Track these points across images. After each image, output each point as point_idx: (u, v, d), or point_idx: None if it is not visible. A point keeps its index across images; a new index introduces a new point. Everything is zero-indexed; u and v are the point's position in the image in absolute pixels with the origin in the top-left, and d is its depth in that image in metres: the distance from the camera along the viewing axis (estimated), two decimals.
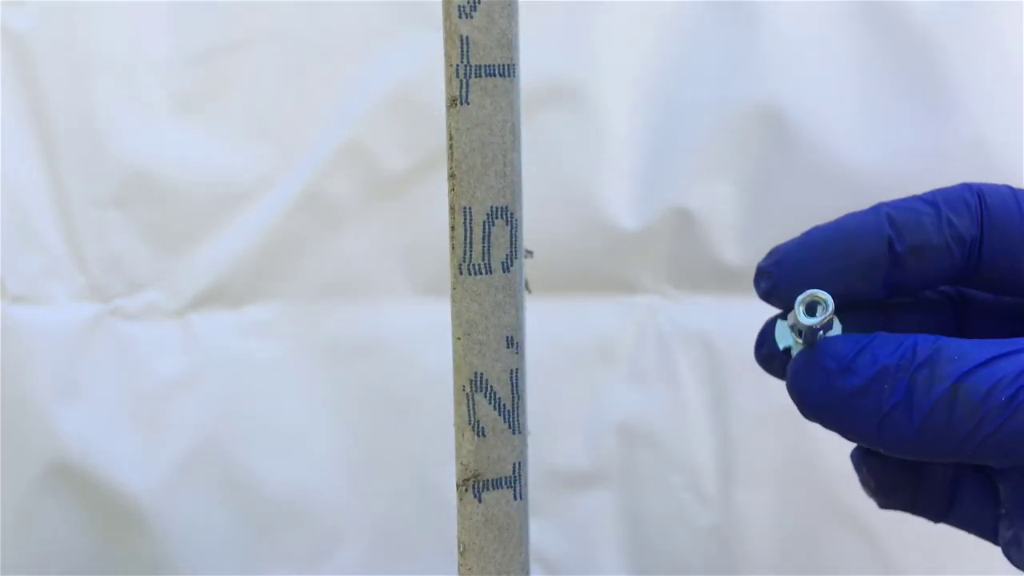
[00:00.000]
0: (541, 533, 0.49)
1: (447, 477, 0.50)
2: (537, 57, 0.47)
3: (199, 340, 0.50)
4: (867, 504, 0.48)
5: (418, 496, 0.50)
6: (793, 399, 0.24)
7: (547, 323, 0.48)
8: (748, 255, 0.47)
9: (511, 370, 0.22)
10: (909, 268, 0.24)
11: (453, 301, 0.22)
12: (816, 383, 0.23)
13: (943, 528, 0.29)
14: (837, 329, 0.25)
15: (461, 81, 0.21)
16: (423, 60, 0.47)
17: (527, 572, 0.23)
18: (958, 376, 0.21)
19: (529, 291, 0.25)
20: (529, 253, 0.25)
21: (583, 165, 0.48)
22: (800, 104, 0.46)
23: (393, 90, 0.48)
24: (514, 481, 0.23)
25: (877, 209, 0.25)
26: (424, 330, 0.49)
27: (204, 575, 0.50)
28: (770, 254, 0.26)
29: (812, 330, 0.23)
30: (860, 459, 0.29)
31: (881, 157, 0.46)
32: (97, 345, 0.50)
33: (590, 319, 0.49)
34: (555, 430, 0.49)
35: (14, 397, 0.49)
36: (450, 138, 0.22)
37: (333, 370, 0.50)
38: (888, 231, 0.24)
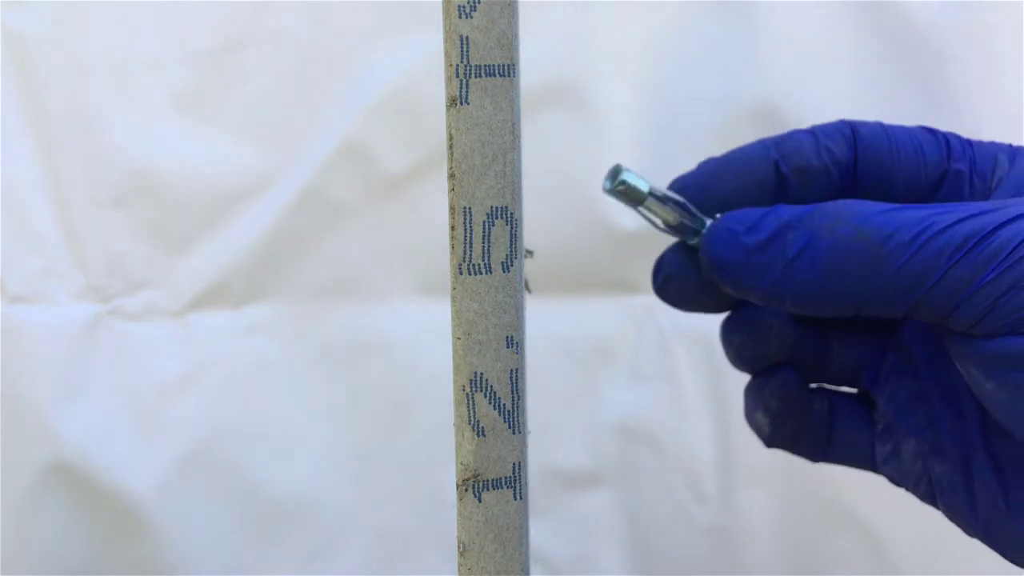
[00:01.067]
0: (542, 533, 0.49)
1: (447, 477, 0.50)
2: (537, 57, 0.47)
3: (199, 340, 0.50)
4: (867, 504, 0.48)
5: (418, 496, 0.50)
6: (705, 264, 0.26)
7: (547, 323, 0.48)
8: None
9: (511, 370, 0.22)
10: (795, 188, 0.27)
11: (453, 301, 0.22)
12: (726, 243, 0.25)
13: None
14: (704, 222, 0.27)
15: (461, 81, 0.21)
16: (423, 60, 0.47)
17: (527, 572, 0.23)
18: (861, 219, 0.23)
19: (529, 291, 0.25)
20: (529, 253, 0.25)
21: (583, 165, 0.48)
22: (800, 103, 0.47)
23: (393, 90, 0.48)
24: (514, 481, 0.23)
25: (763, 140, 0.27)
26: (424, 330, 0.49)
27: (204, 575, 0.50)
28: (674, 181, 0.28)
29: (664, 206, 0.26)
30: (761, 384, 0.30)
31: None
32: (97, 345, 0.49)
33: (590, 319, 0.49)
34: (555, 430, 0.49)
35: (14, 397, 0.49)
36: (450, 138, 0.22)
37: (333, 370, 0.50)
38: (774, 155, 0.27)
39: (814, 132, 0.27)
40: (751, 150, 0.27)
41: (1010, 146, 0.27)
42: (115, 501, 0.49)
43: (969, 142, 0.27)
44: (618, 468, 0.49)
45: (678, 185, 0.28)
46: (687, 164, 0.48)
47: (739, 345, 0.29)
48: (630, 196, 0.26)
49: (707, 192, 0.27)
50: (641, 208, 0.26)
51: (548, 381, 0.48)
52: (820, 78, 0.47)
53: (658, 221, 0.27)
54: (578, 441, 0.49)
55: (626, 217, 0.48)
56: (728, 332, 0.30)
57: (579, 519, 0.50)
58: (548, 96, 0.48)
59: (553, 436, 0.49)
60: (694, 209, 0.27)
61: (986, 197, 0.26)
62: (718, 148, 0.48)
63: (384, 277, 0.49)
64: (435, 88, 0.48)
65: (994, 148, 0.27)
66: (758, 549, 0.49)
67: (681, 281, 0.28)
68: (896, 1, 0.46)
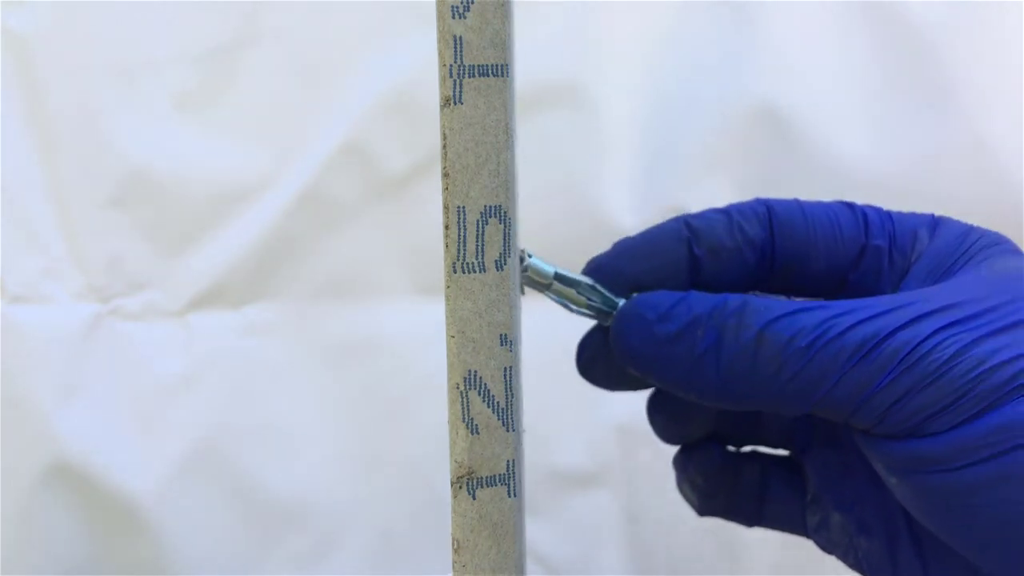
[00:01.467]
0: (541, 533, 0.49)
1: (447, 477, 0.50)
2: (537, 57, 0.47)
3: (199, 340, 0.50)
4: None
5: (417, 496, 0.50)
6: (615, 348, 0.26)
7: (547, 323, 0.48)
8: None
9: (505, 368, 0.22)
10: (709, 268, 0.26)
11: (447, 299, 0.22)
12: (636, 331, 0.25)
13: None
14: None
15: (455, 81, 0.22)
16: (423, 60, 0.48)
17: (522, 569, 0.23)
18: (763, 324, 0.23)
19: (523, 292, 0.25)
20: (528, 254, 0.25)
21: (583, 165, 0.48)
22: (800, 104, 0.47)
23: (393, 90, 0.48)
24: (508, 479, 0.23)
25: (677, 219, 0.27)
26: (423, 330, 0.49)
27: (204, 575, 0.50)
28: (589, 262, 0.28)
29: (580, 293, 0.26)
30: (686, 460, 0.30)
31: (881, 157, 0.46)
32: (97, 345, 0.50)
33: (590, 319, 0.49)
34: (555, 430, 0.49)
35: (14, 397, 0.49)
36: (444, 138, 0.22)
37: (333, 370, 0.50)
38: (686, 234, 0.26)
39: (728, 211, 0.27)
40: (665, 229, 0.27)
41: (932, 217, 0.27)
42: (115, 501, 0.49)
43: (889, 215, 0.27)
44: (618, 468, 0.49)
45: (592, 265, 0.27)
46: (687, 164, 0.48)
47: (662, 425, 0.30)
48: (535, 282, 0.26)
49: (621, 273, 0.27)
50: (549, 293, 0.26)
51: (548, 381, 0.48)
52: (820, 78, 0.47)
53: (571, 304, 0.27)
54: (578, 441, 0.49)
55: (626, 217, 0.48)
56: (651, 412, 0.30)
57: (579, 519, 0.50)
58: (548, 96, 0.48)
59: (553, 436, 0.49)
60: (605, 291, 0.26)
61: (906, 271, 0.26)
62: (718, 148, 0.48)
63: (384, 277, 0.49)
64: (435, 88, 0.48)
65: (915, 221, 0.26)
66: (758, 549, 0.49)
67: (605, 363, 0.28)
68: (896, 1, 0.46)
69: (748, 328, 0.23)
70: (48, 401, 0.49)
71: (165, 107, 0.49)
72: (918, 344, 0.22)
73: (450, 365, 0.22)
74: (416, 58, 0.48)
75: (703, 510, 0.30)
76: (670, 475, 0.49)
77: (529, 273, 0.26)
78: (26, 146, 0.49)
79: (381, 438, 0.50)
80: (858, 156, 0.46)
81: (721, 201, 0.48)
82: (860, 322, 0.22)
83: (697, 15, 0.47)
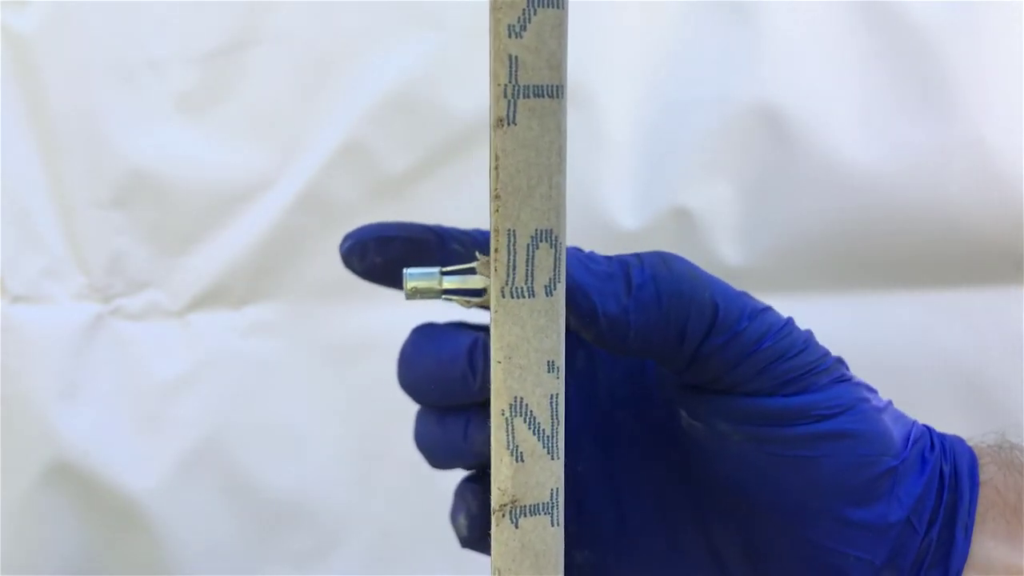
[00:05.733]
0: None
1: (447, 477, 0.50)
2: None
3: (199, 340, 0.50)
4: None
5: (418, 496, 0.50)
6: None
7: None
8: (747, 255, 0.47)
9: (551, 395, 0.22)
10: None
11: (495, 324, 0.22)
12: (581, 270, 0.26)
13: None
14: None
15: (509, 101, 0.20)
16: (423, 60, 0.47)
17: None
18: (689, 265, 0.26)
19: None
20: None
21: (583, 166, 0.48)
22: (800, 104, 0.46)
23: (393, 90, 0.48)
24: (551, 508, 0.22)
25: (468, 338, 0.28)
26: None
27: (204, 575, 0.50)
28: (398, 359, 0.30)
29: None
30: (461, 492, 0.30)
31: (881, 157, 0.46)
32: (97, 345, 0.49)
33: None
34: None
35: (14, 397, 0.49)
36: (496, 159, 0.21)
37: (333, 370, 0.50)
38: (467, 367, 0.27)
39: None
40: (453, 360, 0.28)
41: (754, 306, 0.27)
42: (115, 501, 0.49)
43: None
44: None
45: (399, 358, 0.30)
46: (687, 164, 0.48)
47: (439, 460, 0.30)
48: (425, 293, 0.25)
49: (418, 389, 0.29)
50: (445, 296, 0.26)
51: None
52: (820, 78, 0.47)
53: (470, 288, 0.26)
54: None
55: (626, 217, 0.48)
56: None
57: None
58: None
59: None
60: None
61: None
62: (718, 148, 0.48)
63: None
64: (435, 88, 0.48)
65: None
66: None
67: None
68: (896, 1, 0.46)
69: (678, 260, 0.26)
70: (48, 401, 0.49)
71: (166, 107, 0.49)
72: (786, 324, 0.26)
73: (495, 391, 0.22)
74: (416, 58, 0.48)
75: (466, 542, 0.30)
76: None
77: (413, 289, 0.25)
78: (26, 146, 0.49)
79: (381, 438, 0.50)
80: (857, 156, 0.46)
81: (720, 201, 0.48)
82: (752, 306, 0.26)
83: (697, 15, 0.47)
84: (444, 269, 0.25)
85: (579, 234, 0.48)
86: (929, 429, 0.27)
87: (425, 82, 0.47)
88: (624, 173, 0.48)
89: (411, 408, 0.50)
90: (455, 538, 0.30)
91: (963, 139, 0.46)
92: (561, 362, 0.22)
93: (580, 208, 0.48)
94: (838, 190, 0.46)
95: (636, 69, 0.48)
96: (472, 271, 0.25)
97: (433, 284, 0.25)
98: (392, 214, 0.49)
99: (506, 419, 0.22)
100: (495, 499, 0.22)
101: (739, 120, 0.47)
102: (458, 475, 0.31)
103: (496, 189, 0.21)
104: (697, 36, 0.47)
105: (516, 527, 0.22)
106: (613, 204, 0.48)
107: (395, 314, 0.50)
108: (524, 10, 0.20)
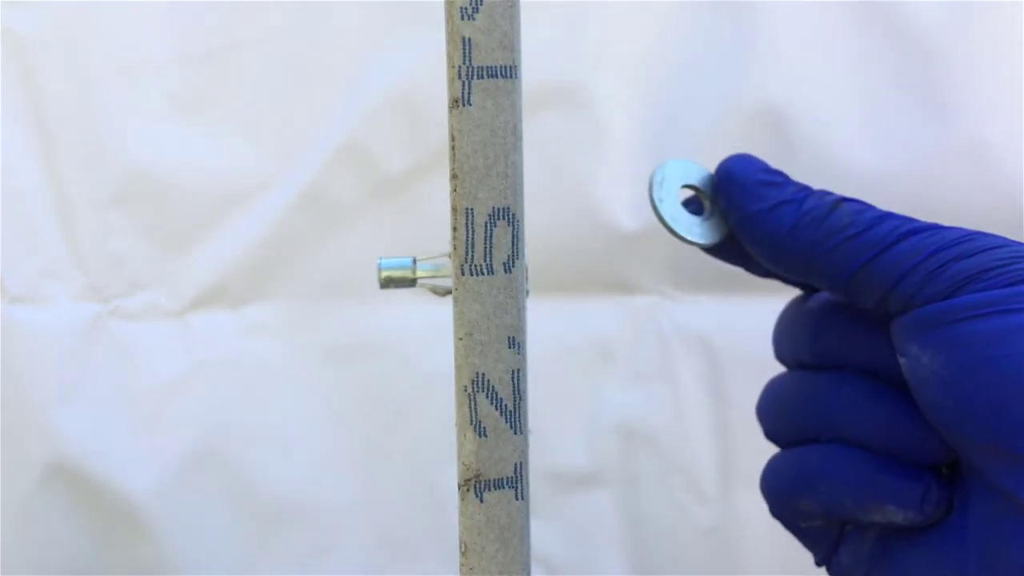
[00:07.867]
0: (541, 534, 0.49)
1: (447, 477, 0.50)
2: (537, 57, 0.47)
3: (199, 340, 0.50)
4: None
5: (418, 496, 0.50)
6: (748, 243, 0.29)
7: (547, 323, 0.48)
8: None
9: (513, 370, 0.22)
10: None
11: (455, 302, 0.22)
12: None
13: None
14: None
15: (463, 82, 0.21)
16: (423, 60, 0.47)
17: (528, 572, 0.23)
18: (840, 198, 0.28)
19: (527, 292, 0.25)
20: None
21: (582, 165, 0.48)
22: (800, 104, 0.46)
23: (393, 90, 0.48)
24: (516, 481, 0.23)
25: None
26: (424, 330, 0.49)
27: (204, 575, 0.50)
28: None
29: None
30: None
31: (881, 157, 0.46)
32: (97, 345, 0.49)
33: (590, 319, 0.49)
34: (555, 430, 0.49)
35: (14, 397, 0.49)
36: (452, 139, 0.22)
37: (333, 370, 0.50)
38: None
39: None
40: None
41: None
42: (115, 501, 0.49)
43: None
44: (618, 468, 0.49)
45: None
46: None
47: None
48: (399, 282, 0.26)
49: None
50: (420, 284, 0.26)
51: (548, 381, 0.48)
52: (820, 79, 0.47)
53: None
54: (578, 441, 0.49)
55: (626, 217, 0.48)
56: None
57: (579, 520, 0.50)
58: (548, 96, 0.48)
59: (553, 436, 0.49)
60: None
61: None
62: (717, 148, 0.48)
63: None
64: (435, 89, 0.48)
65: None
66: (758, 549, 0.49)
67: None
68: (896, 1, 0.46)
69: (829, 196, 0.29)
70: (48, 401, 0.49)
71: (165, 107, 0.49)
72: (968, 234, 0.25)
73: (458, 367, 0.22)
74: (416, 58, 0.48)
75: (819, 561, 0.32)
76: (670, 476, 0.49)
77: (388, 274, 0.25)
78: (26, 146, 0.49)
79: (381, 438, 0.50)
80: (858, 156, 0.46)
81: None
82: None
83: (696, 15, 0.47)
84: (418, 257, 0.26)
85: (579, 234, 0.48)
86: None
87: (425, 82, 0.47)
88: (624, 173, 0.48)
89: (410, 408, 0.50)
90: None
91: (963, 139, 0.46)
92: (523, 338, 0.23)
93: (580, 208, 0.48)
94: (838, 190, 0.46)
95: (636, 69, 0.48)
96: (447, 258, 0.25)
97: (407, 273, 0.26)
98: (392, 214, 0.49)
99: (468, 395, 0.22)
100: (460, 474, 0.22)
101: (739, 120, 0.47)
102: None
103: (453, 169, 0.22)
104: (697, 36, 0.47)
105: (481, 501, 0.22)
106: (613, 204, 0.48)
107: (395, 314, 0.50)
108: None
